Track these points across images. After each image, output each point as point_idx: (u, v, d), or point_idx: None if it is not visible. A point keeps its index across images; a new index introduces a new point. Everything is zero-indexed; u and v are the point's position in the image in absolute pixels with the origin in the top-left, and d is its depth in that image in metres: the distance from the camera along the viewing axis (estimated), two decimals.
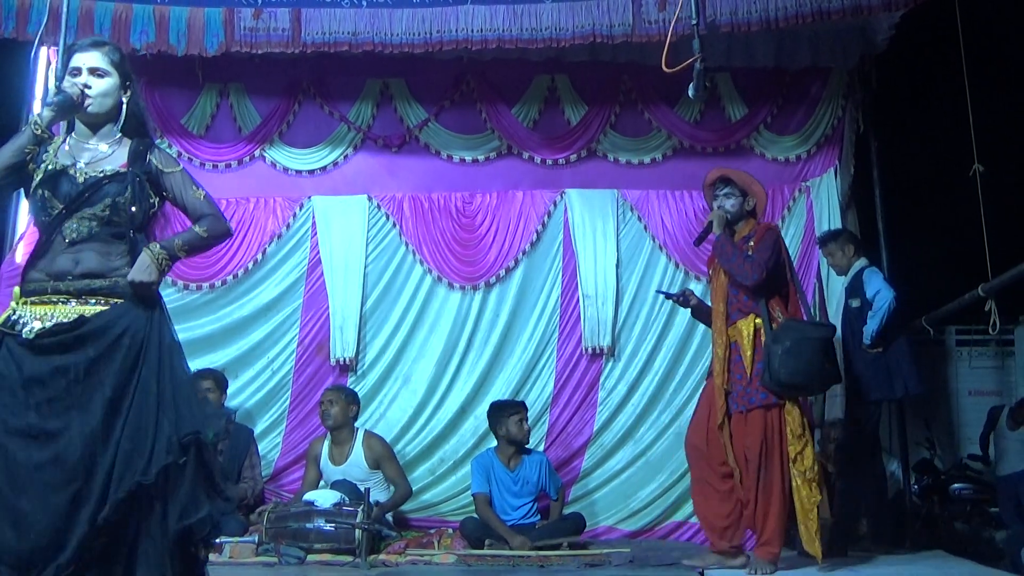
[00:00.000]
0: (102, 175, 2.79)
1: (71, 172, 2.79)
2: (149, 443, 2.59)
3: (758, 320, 4.39)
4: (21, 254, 6.09)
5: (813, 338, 4.30)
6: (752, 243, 4.44)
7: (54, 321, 2.69)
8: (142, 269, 2.72)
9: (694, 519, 5.76)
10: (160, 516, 2.59)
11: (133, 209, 2.78)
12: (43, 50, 6.11)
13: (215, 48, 5.38)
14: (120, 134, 2.91)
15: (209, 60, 5.74)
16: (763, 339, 4.34)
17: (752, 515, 4.34)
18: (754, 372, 4.33)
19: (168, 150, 2.91)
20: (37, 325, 2.68)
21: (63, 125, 2.97)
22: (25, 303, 2.73)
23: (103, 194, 2.77)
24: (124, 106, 2.89)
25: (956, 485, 6.68)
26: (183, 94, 6.27)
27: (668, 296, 5.03)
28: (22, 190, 2.91)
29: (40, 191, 2.79)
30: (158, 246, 2.76)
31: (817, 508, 4.33)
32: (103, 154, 2.85)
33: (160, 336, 2.72)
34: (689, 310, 4.93)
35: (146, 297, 2.74)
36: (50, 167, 2.80)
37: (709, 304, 4.75)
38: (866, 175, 6.28)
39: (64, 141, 2.89)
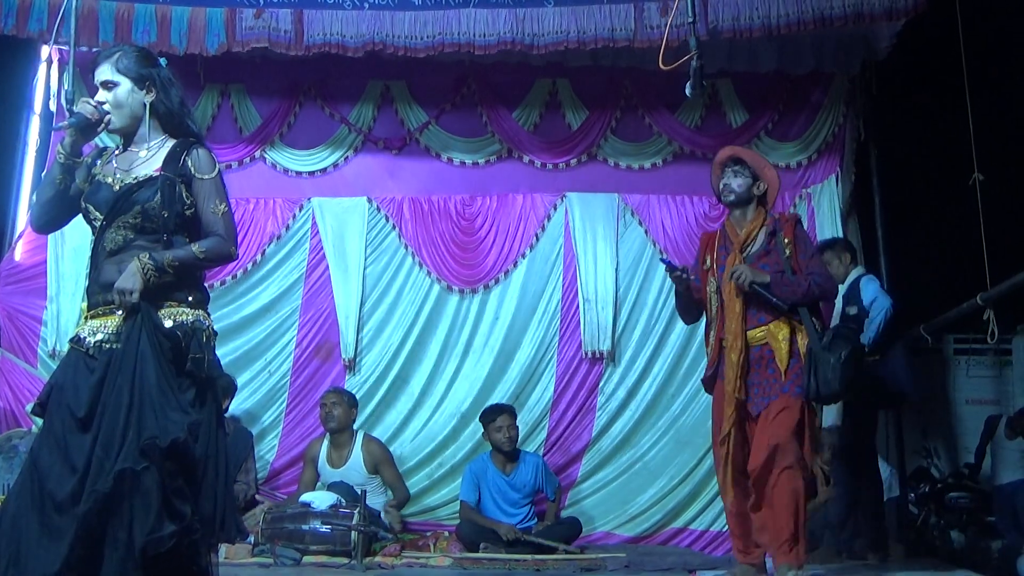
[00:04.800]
0: (134, 182, 2.79)
1: (109, 181, 2.81)
2: (115, 454, 2.57)
3: (793, 322, 3.97)
4: (20, 252, 6.09)
5: (861, 347, 4.16)
6: (786, 239, 4.03)
7: (106, 332, 2.73)
8: (126, 277, 2.69)
9: (693, 526, 5.78)
10: (126, 523, 2.54)
11: (164, 214, 2.77)
12: (45, 48, 6.16)
13: (215, 48, 5.39)
14: (163, 135, 2.90)
15: (210, 60, 5.75)
16: (799, 345, 3.94)
17: (771, 518, 3.89)
18: (790, 373, 3.93)
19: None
20: (91, 340, 2.74)
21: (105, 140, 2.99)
22: (87, 318, 2.80)
23: (133, 201, 2.77)
24: (149, 106, 2.87)
25: (953, 494, 6.68)
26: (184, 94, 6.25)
27: (669, 266, 4.23)
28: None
29: (84, 204, 2.83)
30: (147, 256, 2.72)
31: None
32: (141, 159, 2.85)
33: (138, 342, 2.68)
34: (677, 290, 4.27)
35: (128, 305, 2.70)
36: (95, 178, 2.84)
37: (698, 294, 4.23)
38: (866, 183, 6.29)
39: (113, 152, 2.91)
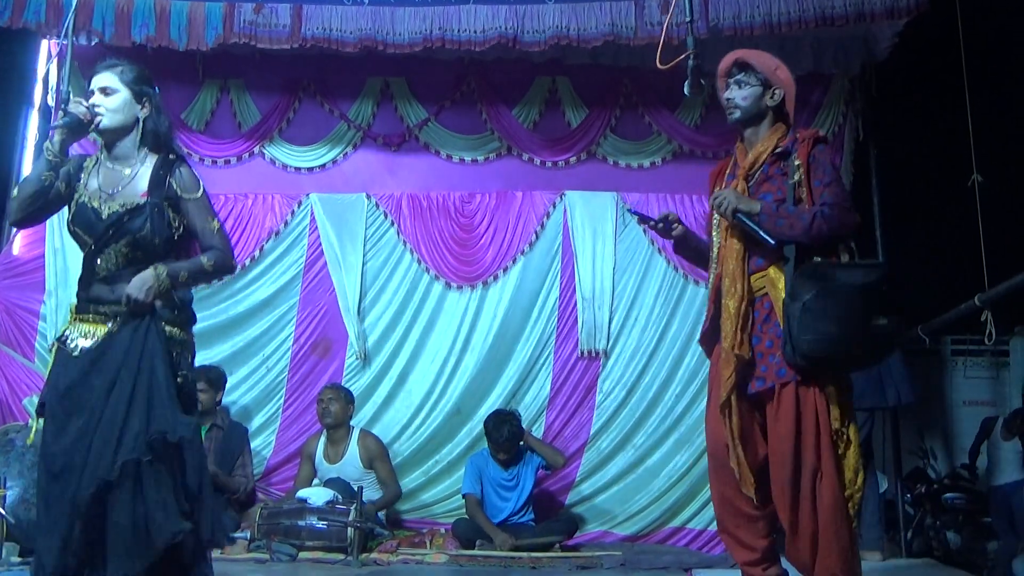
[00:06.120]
0: (123, 210, 2.84)
1: (95, 205, 2.87)
2: (115, 441, 2.65)
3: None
4: (18, 246, 6.08)
5: (846, 285, 2.99)
6: (798, 162, 3.17)
7: (95, 340, 2.81)
8: (140, 287, 2.77)
9: (691, 525, 5.76)
10: (129, 512, 2.63)
11: (156, 241, 2.85)
12: (45, 42, 6.15)
13: (213, 41, 5.39)
14: (145, 150, 2.94)
15: (210, 55, 5.74)
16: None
17: (793, 542, 3.08)
18: None
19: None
20: (81, 343, 2.82)
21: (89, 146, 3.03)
22: (74, 320, 2.88)
23: (124, 231, 2.84)
24: (141, 121, 2.93)
25: (949, 495, 6.71)
26: (183, 89, 6.26)
27: (643, 219, 3.51)
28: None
29: (72, 226, 2.90)
30: (165, 270, 2.80)
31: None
32: (125, 179, 2.90)
33: (145, 340, 2.77)
34: (672, 243, 3.49)
35: (139, 313, 2.79)
36: (80, 199, 2.89)
37: (705, 238, 3.46)
38: (864, 183, 6.27)
39: (95, 166, 2.95)
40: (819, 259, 3.08)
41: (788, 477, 3.02)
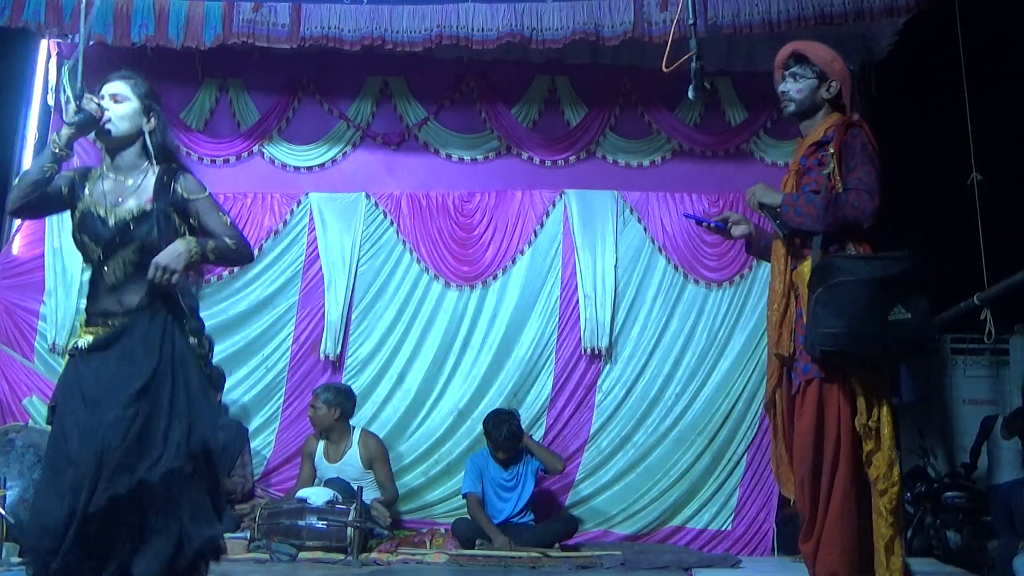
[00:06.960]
0: (130, 217, 2.87)
1: (101, 213, 2.89)
2: (158, 448, 2.69)
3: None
4: (18, 247, 6.08)
5: (858, 278, 2.93)
6: (831, 151, 3.12)
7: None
8: (172, 255, 2.78)
9: (691, 524, 5.77)
10: (171, 518, 2.67)
11: (163, 246, 2.85)
12: (44, 42, 6.16)
13: (211, 40, 5.39)
14: (147, 162, 2.97)
15: (209, 55, 5.74)
16: None
17: (805, 536, 3.11)
18: None
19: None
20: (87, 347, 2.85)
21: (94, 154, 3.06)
22: (84, 333, 2.90)
23: (131, 237, 2.86)
24: (147, 135, 2.96)
25: (949, 494, 6.70)
26: (182, 88, 6.26)
27: (700, 222, 3.53)
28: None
29: (78, 235, 2.92)
30: (195, 240, 2.84)
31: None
32: (130, 189, 2.92)
33: (173, 344, 2.81)
34: (743, 244, 3.47)
35: (162, 288, 2.78)
36: (84, 208, 2.91)
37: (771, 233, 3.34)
38: None
39: (98, 177, 2.96)
40: (837, 251, 3.06)
41: (807, 473, 3.01)
